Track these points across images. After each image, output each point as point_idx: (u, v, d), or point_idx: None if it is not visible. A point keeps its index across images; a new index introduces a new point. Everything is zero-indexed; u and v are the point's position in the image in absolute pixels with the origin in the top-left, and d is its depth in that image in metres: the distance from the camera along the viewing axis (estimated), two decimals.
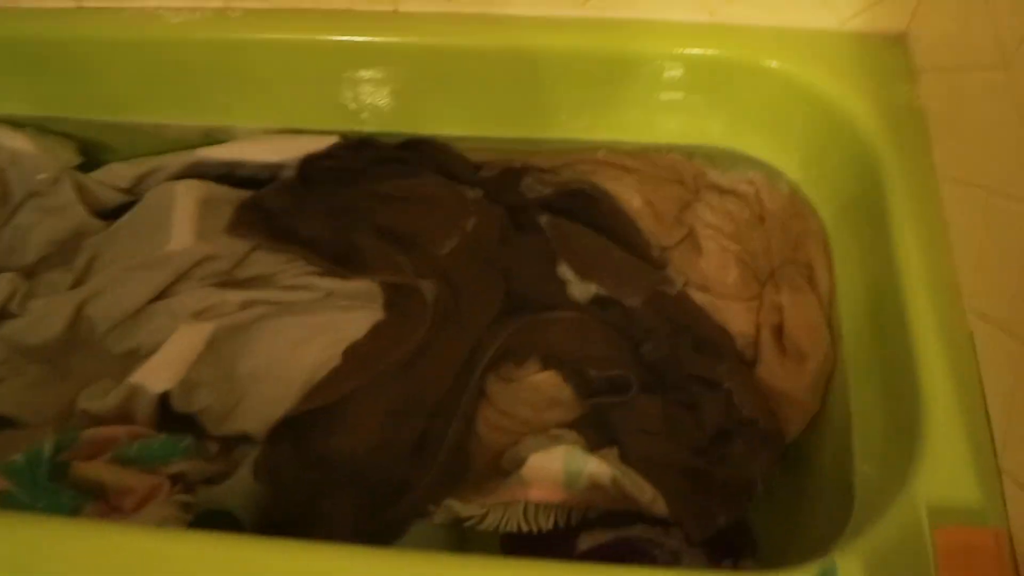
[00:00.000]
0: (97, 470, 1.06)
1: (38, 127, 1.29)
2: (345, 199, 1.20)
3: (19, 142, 1.25)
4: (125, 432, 1.10)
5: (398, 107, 1.23)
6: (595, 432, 1.07)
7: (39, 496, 1.03)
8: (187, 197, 1.20)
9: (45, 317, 1.17)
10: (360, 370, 1.09)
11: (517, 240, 1.18)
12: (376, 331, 1.11)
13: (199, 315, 1.14)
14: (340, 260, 1.16)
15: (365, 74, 1.20)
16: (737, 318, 1.11)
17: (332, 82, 1.22)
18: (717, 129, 1.21)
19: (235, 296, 1.13)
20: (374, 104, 1.22)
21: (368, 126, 1.25)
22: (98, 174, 1.28)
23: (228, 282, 1.18)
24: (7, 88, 1.27)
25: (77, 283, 1.21)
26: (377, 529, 1.06)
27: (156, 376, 1.08)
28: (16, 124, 1.29)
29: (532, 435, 1.08)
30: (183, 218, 1.18)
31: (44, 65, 1.23)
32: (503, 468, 1.08)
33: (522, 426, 1.09)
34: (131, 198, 1.29)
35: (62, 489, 1.05)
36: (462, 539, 1.08)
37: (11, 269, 1.24)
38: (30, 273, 1.24)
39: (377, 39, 1.16)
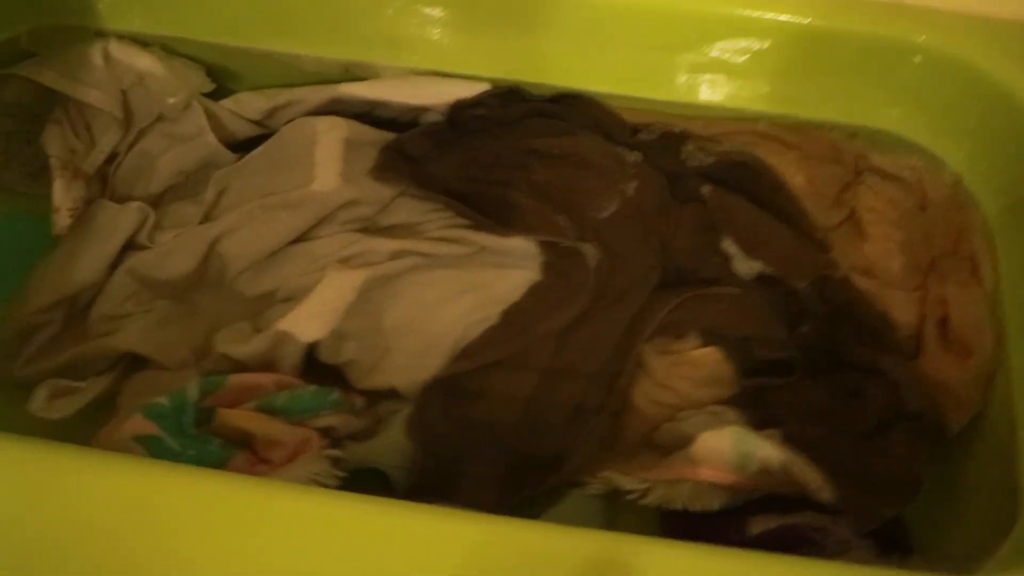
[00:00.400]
0: (245, 419, 1.01)
1: (165, 47, 1.21)
2: (497, 152, 1.15)
3: (146, 62, 1.18)
4: (271, 381, 1.05)
5: (553, 60, 1.17)
6: (753, 412, 1.05)
7: (187, 443, 0.99)
8: (331, 135, 1.14)
9: (175, 251, 1.12)
10: (518, 334, 1.05)
11: (677, 209, 1.14)
12: (534, 293, 1.07)
13: (345, 262, 1.09)
14: (491, 215, 1.11)
15: (527, 21, 1.14)
16: (900, 308, 1.09)
17: (487, 27, 1.16)
18: (883, 111, 1.18)
19: (384, 244, 1.08)
20: (531, 54, 1.17)
21: (518, 76, 1.19)
22: (228, 103, 1.21)
23: (371, 228, 1.13)
24: (134, 3, 1.19)
25: (207, 217, 1.15)
26: (526, 497, 1.03)
27: (306, 324, 1.04)
28: (141, 43, 1.20)
29: (691, 411, 1.06)
30: (328, 157, 1.12)
31: None
32: (656, 442, 1.06)
33: (679, 400, 1.07)
34: (262, 130, 1.22)
35: (210, 437, 1.00)
36: (612, 512, 1.06)
37: (136, 197, 1.17)
38: (156, 202, 1.17)
39: None
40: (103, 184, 1.18)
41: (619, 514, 1.04)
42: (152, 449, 0.98)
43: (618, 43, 1.15)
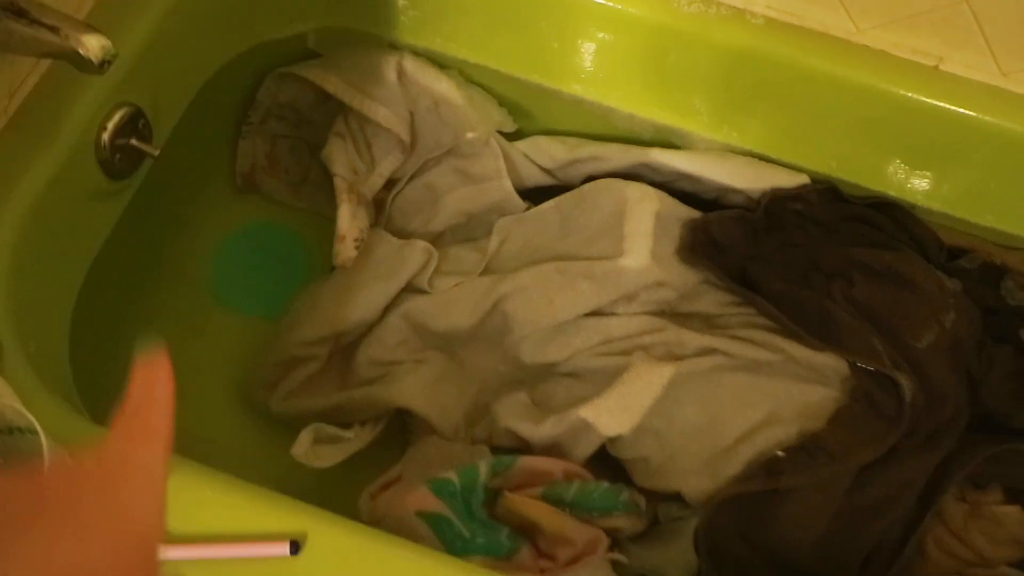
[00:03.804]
0: (535, 509, 0.94)
1: (461, 73, 1.12)
2: (816, 255, 1.07)
3: (444, 87, 1.08)
4: (560, 469, 0.98)
5: (876, 164, 1.08)
6: None
7: (477, 529, 0.92)
8: (643, 206, 1.05)
9: (457, 303, 1.04)
10: (824, 462, 0.98)
11: (991, 348, 1.06)
12: (840, 419, 1.00)
13: (647, 349, 1.01)
14: (805, 324, 1.03)
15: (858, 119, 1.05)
16: None
17: (814, 119, 1.07)
18: None
19: (693, 339, 1.00)
20: (853, 154, 1.08)
21: (838, 174, 1.10)
22: (524, 146, 1.12)
23: (669, 313, 1.05)
24: (438, 19, 1.10)
25: (488, 269, 1.07)
26: None
27: (611, 417, 0.96)
28: (438, 64, 1.11)
29: (984, 570, 0.99)
30: (640, 232, 1.04)
31: (504, 12, 1.06)
32: None
33: (973, 556, 1.00)
34: (552, 181, 1.13)
35: (499, 526, 0.93)
36: None
37: (413, 232, 1.09)
38: (434, 241, 1.09)
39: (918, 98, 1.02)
40: (378, 211, 1.09)
41: None
42: (439, 529, 0.91)
43: (961, 160, 1.06)
